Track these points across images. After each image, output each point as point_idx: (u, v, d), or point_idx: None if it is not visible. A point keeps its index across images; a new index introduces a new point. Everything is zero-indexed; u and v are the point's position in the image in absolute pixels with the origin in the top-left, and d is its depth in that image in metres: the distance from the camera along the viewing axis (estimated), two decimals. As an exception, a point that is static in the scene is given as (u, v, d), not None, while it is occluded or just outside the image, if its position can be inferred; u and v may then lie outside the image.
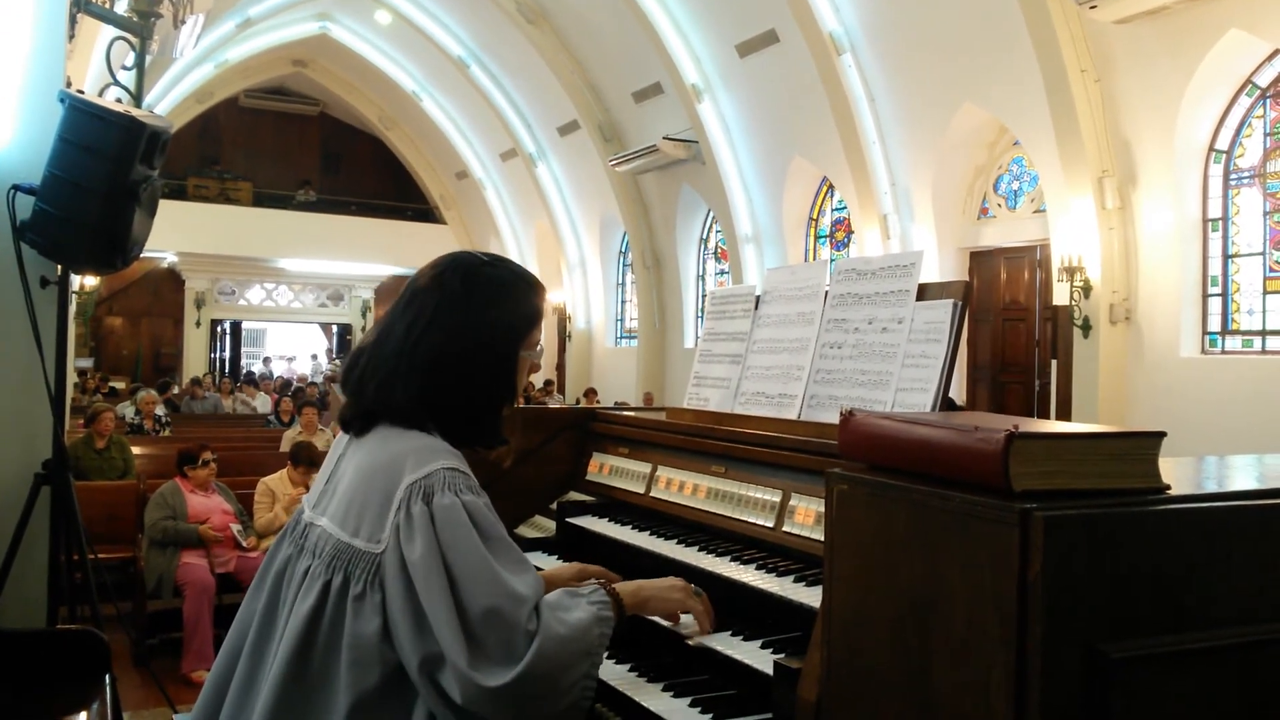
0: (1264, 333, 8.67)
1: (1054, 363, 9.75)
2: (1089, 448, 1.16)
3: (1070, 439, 1.18)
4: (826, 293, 2.35)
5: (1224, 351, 8.91)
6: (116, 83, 3.96)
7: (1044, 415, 9.87)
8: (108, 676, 3.11)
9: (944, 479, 1.19)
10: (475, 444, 1.70)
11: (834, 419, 2.14)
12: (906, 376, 2.06)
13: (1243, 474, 1.56)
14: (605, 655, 1.92)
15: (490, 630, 1.45)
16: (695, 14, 13.26)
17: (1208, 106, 8.76)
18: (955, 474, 1.17)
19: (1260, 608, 1.17)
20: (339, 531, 1.57)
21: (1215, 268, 8.96)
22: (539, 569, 2.21)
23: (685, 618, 1.89)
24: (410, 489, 1.52)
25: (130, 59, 4.17)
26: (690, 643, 1.87)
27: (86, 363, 19.38)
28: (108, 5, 4.97)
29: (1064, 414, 9.44)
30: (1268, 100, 8.61)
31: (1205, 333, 9.02)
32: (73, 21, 3.93)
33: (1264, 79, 8.59)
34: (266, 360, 23.81)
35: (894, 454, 1.29)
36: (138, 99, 4.07)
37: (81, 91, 3.57)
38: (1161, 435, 1.19)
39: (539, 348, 1.78)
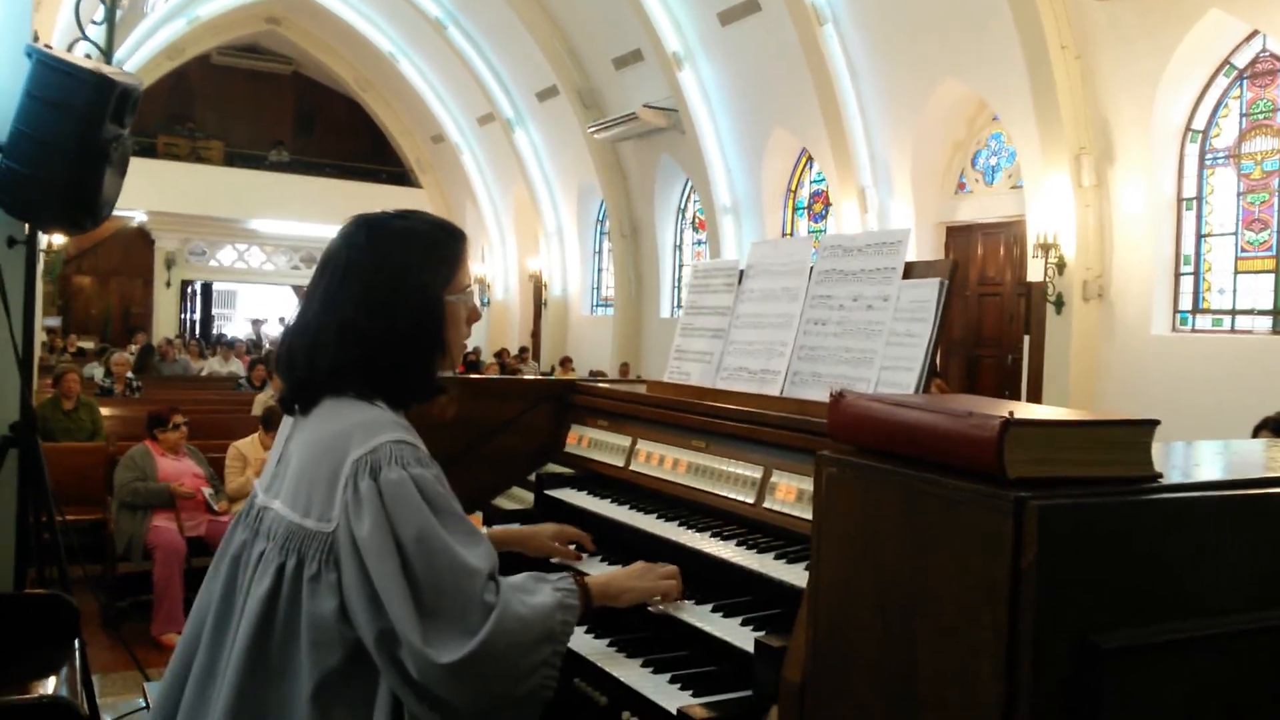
0: (1234, 312, 8.75)
1: (1026, 339, 9.81)
2: (1084, 435, 1.15)
3: (1066, 426, 1.17)
4: (811, 268, 2.33)
5: (1194, 330, 8.98)
6: (86, 38, 3.86)
7: (1015, 391, 9.94)
8: (77, 640, 3.08)
9: (935, 464, 1.17)
10: (412, 398, 1.65)
11: (817, 396, 2.13)
12: (891, 354, 2.05)
13: (1237, 461, 1.56)
14: (585, 633, 1.93)
15: (444, 605, 1.42)
16: (677, -20, 13.12)
17: (1186, 86, 8.78)
18: (947, 459, 1.16)
19: (1253, 596, 1.17)
20: (290, 513, 1.54)
21: (1188, 247, 9.01)
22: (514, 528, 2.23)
23: None
24: (357, 464, 1.48)
25: (100, 13, 4.06)
26: (651, 610, 1.87)
27: (55, 322, 19.11)
28: (77, -44, 4.83)
29: (1035, 390, 9.51)
30: (1244, 81, 8.64)
31: (1176, 311, 9.09)
32: (40, -27, 3.81)
33: (1241, 60, 8.61)
34: (256, 323, 23.25)
35: (884, 437, 1.27)
36: (107, 55, 3.96)
37: (49, 46, 3.47)
38: (1155, 423, 1.18)
39: (469, 290, 1.70)
